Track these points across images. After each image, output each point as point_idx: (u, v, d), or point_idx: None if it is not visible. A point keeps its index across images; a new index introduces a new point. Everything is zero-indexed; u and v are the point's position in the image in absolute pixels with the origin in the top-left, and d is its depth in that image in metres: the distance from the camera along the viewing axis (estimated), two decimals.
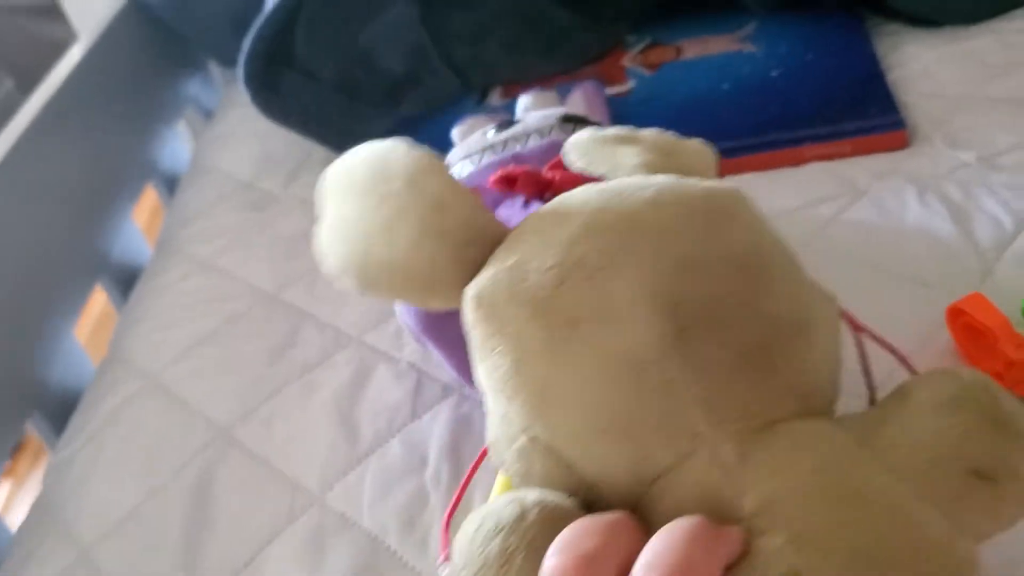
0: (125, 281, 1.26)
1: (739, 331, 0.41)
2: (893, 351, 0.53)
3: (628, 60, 1.21)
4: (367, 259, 0.47)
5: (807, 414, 0.42)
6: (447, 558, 0.43)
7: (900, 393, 0.42)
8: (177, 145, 1.51)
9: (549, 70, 1.22)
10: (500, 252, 0.46)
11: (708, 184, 0.47)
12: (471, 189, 0.48)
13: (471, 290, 0.45)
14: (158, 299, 1.11)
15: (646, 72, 1.17)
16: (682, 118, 1.06)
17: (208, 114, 1.61)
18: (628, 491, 0.42)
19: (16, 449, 2.07)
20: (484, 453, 0.49)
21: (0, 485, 2.01)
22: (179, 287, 1.11)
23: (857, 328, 0.53)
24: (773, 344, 0.42)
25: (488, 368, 0.44)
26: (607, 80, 1.18)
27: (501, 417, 0.44)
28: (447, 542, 0.46)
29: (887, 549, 0.35)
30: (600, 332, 0.41)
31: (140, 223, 1.38)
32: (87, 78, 1.30)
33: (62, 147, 1.21)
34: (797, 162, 1.00)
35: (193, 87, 1.60)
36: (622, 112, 1.08)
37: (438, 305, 0.47)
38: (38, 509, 0.90)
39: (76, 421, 0.98)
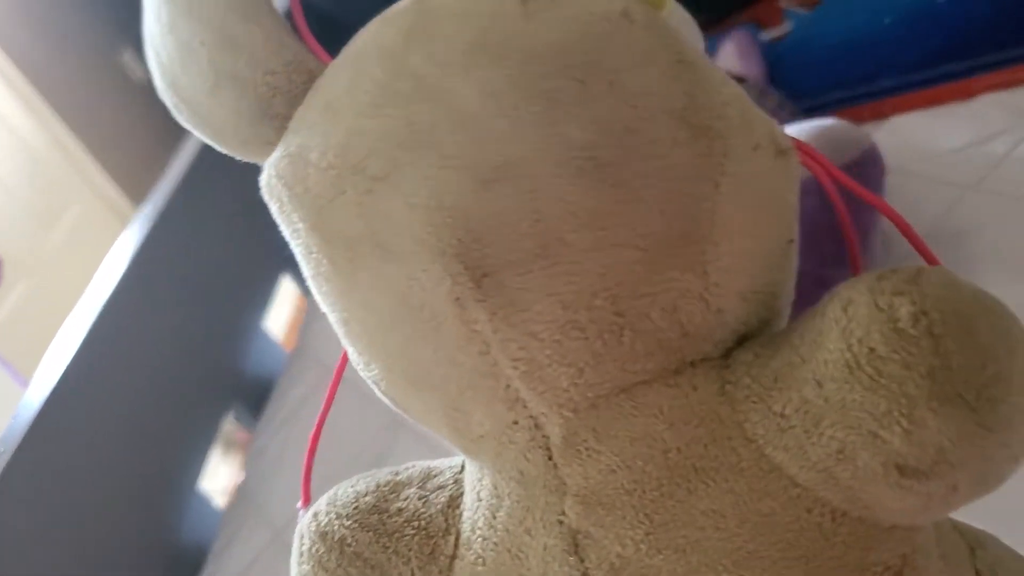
0: None
1: (571, 270, 0.30)
2: (894, 217, 0.37)
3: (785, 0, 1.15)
4: (175, 98, 0.37)
5: (683, 364, 0.32)
6: (306, 503, 0.41)
7: (814, 327, 0.29)
8: None
9: (699, 17, 1.18)
10: (297, 116, 0.35)
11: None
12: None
13: (263, 177, 0.36)
14: None
15: (803, 10, 1.11)
16: (842, 59, 1.01)
17: None
18: (456, 444, 0.36)
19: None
20: (344, 357, 0.41)
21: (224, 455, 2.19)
22: None
23: (825, 176, 0.38)
24: (628, 281, 0.30)
25: (307, 276, 0.36)
26: (763, 23, 1.13)
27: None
28: (308, 488, 0.44)
29: None
30: (382, 268, 0.32)
31: None
32: None
33: None
34: (966, 95, 0.93)
35: None
36: (778, 59, 1.04)
37: (263, 160, 0.37)
38: (240, 494, 0.99)
39: (270, 409, 1.06)
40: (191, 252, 1.15)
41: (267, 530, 0.90)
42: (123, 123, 2.53)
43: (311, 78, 0.35)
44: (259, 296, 1.23)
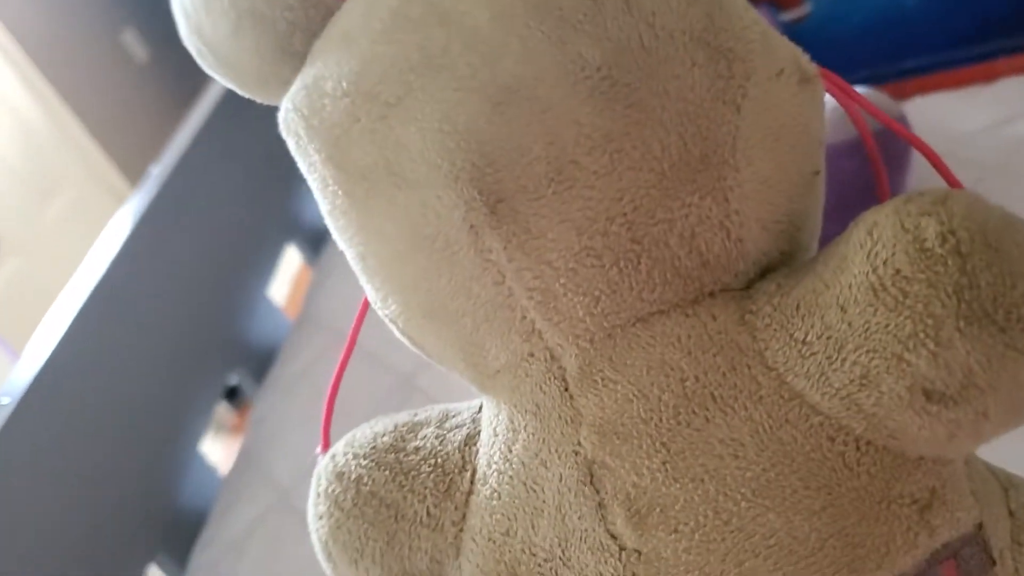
0: (317, 242, 1.32)
1: (586, 195, 0.29)
2: (922, 148, 0.36)
3: None
4: (199, 43, 0.38)
5: (702, 295, 0.31)
6: (326, 448, 0.41)
7: (838, 253, 0.29)
8: None
9: None
10: (314, 49, 0.35)
11: None
12: None
13: (280, 112, 0.36)
14: (345, 258, 1.16)
15: (794, 21, 1.11)
16: (862, 41, 1.00)
17: None
18: (472, 380, 0.36)
19: (242, 407, 2.25)
20: (366, 302, 0.40)
21: (215, 437, 2.18)
22: None
23: (851, 103, 0.37)
24: (644, 206, 0.29)
25: (324, 212, 0.36)
26: (782, 4, 1.13)
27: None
28: (327, 432, 0.44)
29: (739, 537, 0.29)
30: (397, 197, 0.31)
31: None
32: None
33: (253, 116, 1.28)
34: (989, 77, 0.92)
35: None
36: (798, 40, 1.04)
37: (279, 101, 0.37)
38: (243, 457, 0.97)
39: (274, 374, 1.05)
40: (194, 221, 1.14)
41: (272, 492, 0.89)
42: (123, 104, 2.52)
43: (328, 13, 0.35)
44: (263, 265, 1.22)
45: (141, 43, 2.56)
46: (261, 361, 1.13)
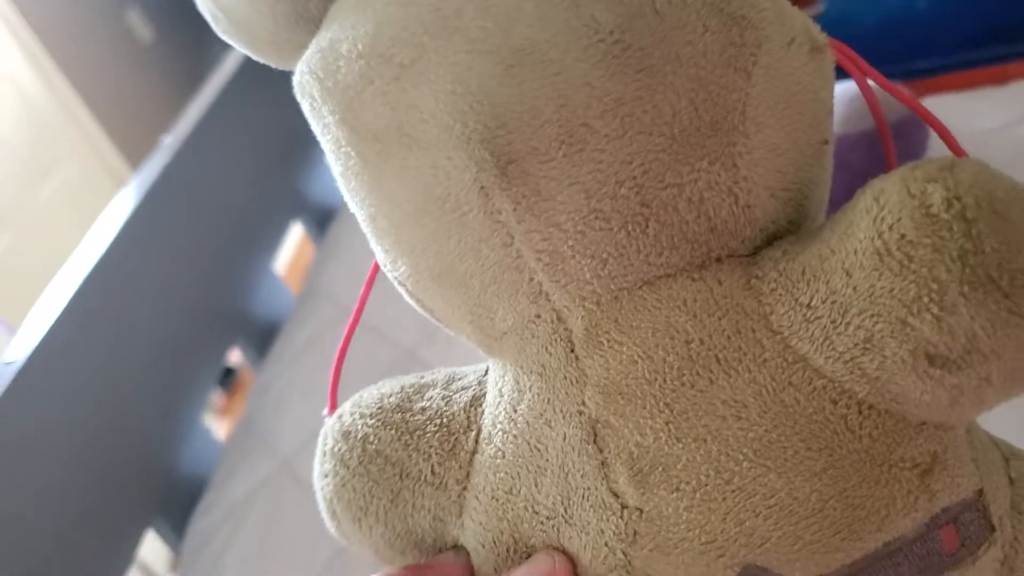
0: (323, 219, 1.33)
1: (596, 158, 0.29)
2: (930, 119, 0.37)
3: None
4: (214, 8, 0.38)
5: (709, 260, 0.32)
6: (333, 410, 0.41)
7: (845, 220, 0.29)
8: None
9: None
10: (330, 13, 0.35)
11: None
12: None
13: (295, 75, 0.36)
14: (353, 235, 1.17)
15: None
16: (876, 40, 1.01)
17: None
18: (479, 343, 0.36)
19: (233, 389, 2.25)
20: (376, 265, 0.41)
21: (214, 415, 2.18)
22: None
23: (861, 75, 0.37)
24: (654, 170, 0.30)
25: (336, 174, 0.36)
26: (797, 4, 1.14)
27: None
28: (335, 394, 0.44)
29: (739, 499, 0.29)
30: (409, 159, 0.31)
31: None
32: None
33: (261, 95, 1.29)
34: (1001, 80, 0.94)
35: None
36: None
37: (294, 67, 0.37)
38: (243, 426, 0.98)
39: (278, 346, 1.05)
40: (203, 194, 1.14)
41: (272, 460, 0.89)
42: (126, 84, 2.51)
43: None
44: (269, 241, 1.22)
45: (146, 23, 2.56)
46: (264, 334, 1.14)
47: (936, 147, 0.79)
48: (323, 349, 0.99)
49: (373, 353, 0.92)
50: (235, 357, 1.52)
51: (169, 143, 1.14)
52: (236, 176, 1.20)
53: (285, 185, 1.29)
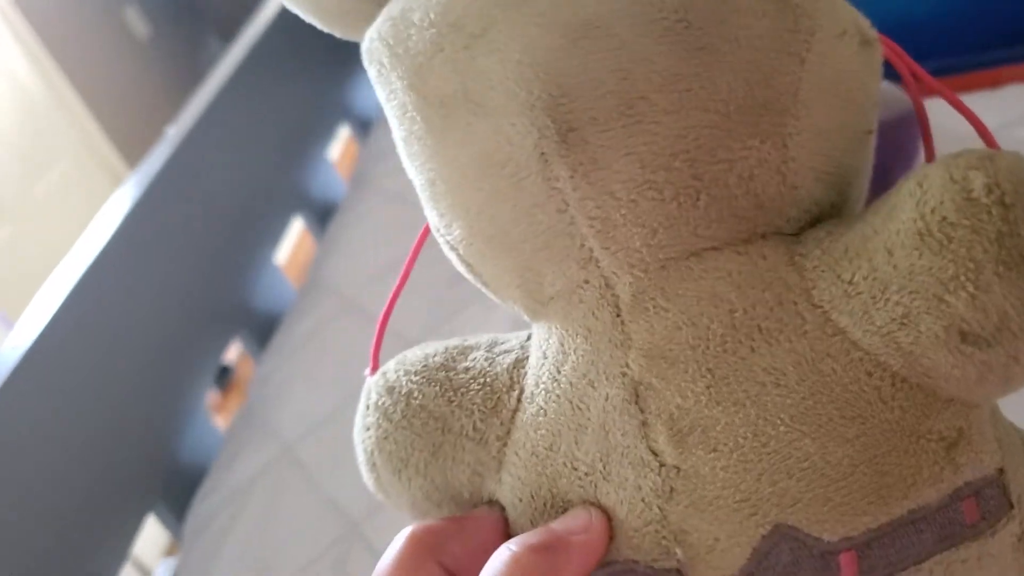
0: (324, 214, 1.34)
1: (652, 130, 0.31)
2: (970, 116, 0.39)
3: None
4: None
5: (754, 235, 0.33)
6: (375, 370, 0.41)
7: (888, 203, 0.31)
8: (372, 88, 1.57)
9: None
10: None
11: None
12: None
13: (364, 42, 0.37)
14: (354, 229, 1.18)
15: None
16: None
17: None
18: (525, 307, 0.37)
19: (228, 387, 2.25)
20: (426, 230, 0.42)
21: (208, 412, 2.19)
22: (372, 218, 1.18)
23: (912, 79, 0.39)
24: (707, 145, 0.31)
25: (398, 138, 0.37)
26: None
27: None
28: (377, 354, 0.44)
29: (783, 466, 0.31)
30: (473, 124, 0.33)
31: (336, 161, 1.46)
32: (284, 26, 1.39)
33: (263, 91, 1.30)
34: (994, 84, 0.95)
35: None
36: None
37: (359, 37, 0.39)
38: (244, 414, 0.99)
39: (279, 338, 1.06)
40: (206, 187, 1.15)
41: (274, 445, 0.90)
42: (123, 80, 2.52)
43: None
44: (270, 234, 1.23)
45: (143, 20, 2.57)
46: (265, 326, 1.15)
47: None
48: (323, 341, 1.00)
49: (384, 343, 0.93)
50: (233, 354, 1.53)
51: (172, 135, 1.15)
52: (238, 170, 1.21)
53: (286, 179, 1.31)
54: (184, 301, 1.07)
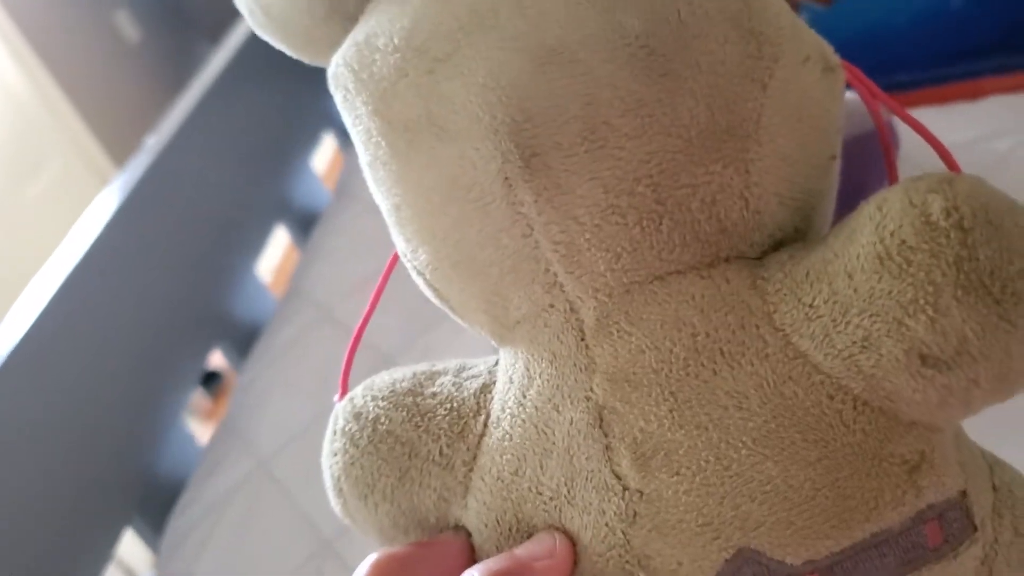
0: (307, 223, 1.33)
1: (616, 155, 0.31)
2: (931, 139, 0.38)
3: None
4: (251, 2, 0.39)
5: (718, 259, 0.33)
6: (343, 396, 0.41)
7: (848, 227, 0.31)
8: None
9: None
10: (368, 9, 0.37)
11: None
12: None
13: (330, 67, 0.37)
14: (337, 238, 1.18)
15: (819, 6, 1.14)
16: (854, 54, 1.02)
17: None
18: (492, 332, 0.37)
19: (217, 393, 2.25)
20: (395, 258, 0.42)
21: (199, 419, 2.18)
22: (356, 228, 1.18)
23: (872, 99, 0.39)
24: (670, 169, 0.31)
25: (364, 164, 0.37)
26: None
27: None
28: (346, 381, 0.44)
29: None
30: (437, 149, 0.32)
31: (320, 171, 1.46)
32: None
33: (247, 98, 1.29)
34: (974, 95, 0.95)
35: None
36: None
37: (327, 63, 0.38)
38: (224, 426, 0.99)
39: (259, 348, 1.06)
40: (186, 196, 1.15)
41: (252, 459, 0.90)
42: (112, 83, 2.52)
43: None
44: (252, 244, 1.23)
45: (133, 24, 2.57)
46: (245, 336, 1.14)
47: (906, 159, 0.80)
48: (304, 350, 1.00)
49: (356, 360, 0.93)
50: (220, 361, 1.52)
51: (152, 144, 1.14)
52: (220, 178, 1.21)
53: (269, 188, 1.30)
54: (164, 310, 1.07)
